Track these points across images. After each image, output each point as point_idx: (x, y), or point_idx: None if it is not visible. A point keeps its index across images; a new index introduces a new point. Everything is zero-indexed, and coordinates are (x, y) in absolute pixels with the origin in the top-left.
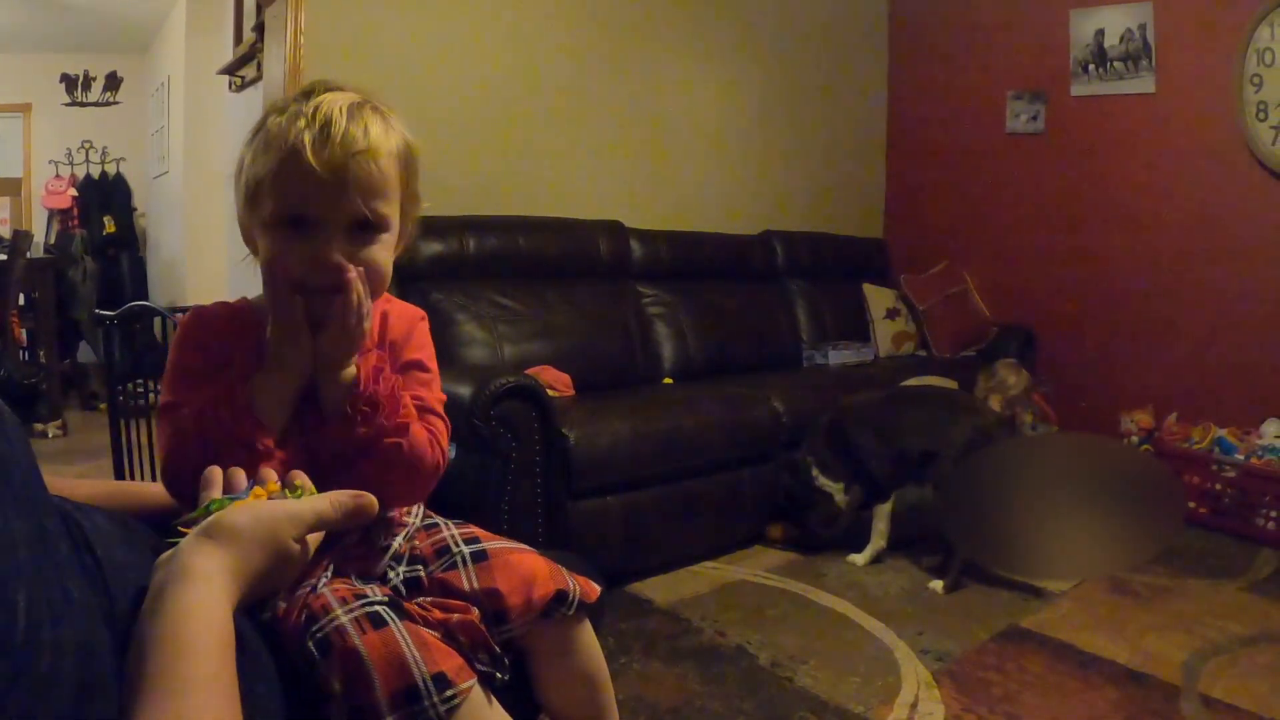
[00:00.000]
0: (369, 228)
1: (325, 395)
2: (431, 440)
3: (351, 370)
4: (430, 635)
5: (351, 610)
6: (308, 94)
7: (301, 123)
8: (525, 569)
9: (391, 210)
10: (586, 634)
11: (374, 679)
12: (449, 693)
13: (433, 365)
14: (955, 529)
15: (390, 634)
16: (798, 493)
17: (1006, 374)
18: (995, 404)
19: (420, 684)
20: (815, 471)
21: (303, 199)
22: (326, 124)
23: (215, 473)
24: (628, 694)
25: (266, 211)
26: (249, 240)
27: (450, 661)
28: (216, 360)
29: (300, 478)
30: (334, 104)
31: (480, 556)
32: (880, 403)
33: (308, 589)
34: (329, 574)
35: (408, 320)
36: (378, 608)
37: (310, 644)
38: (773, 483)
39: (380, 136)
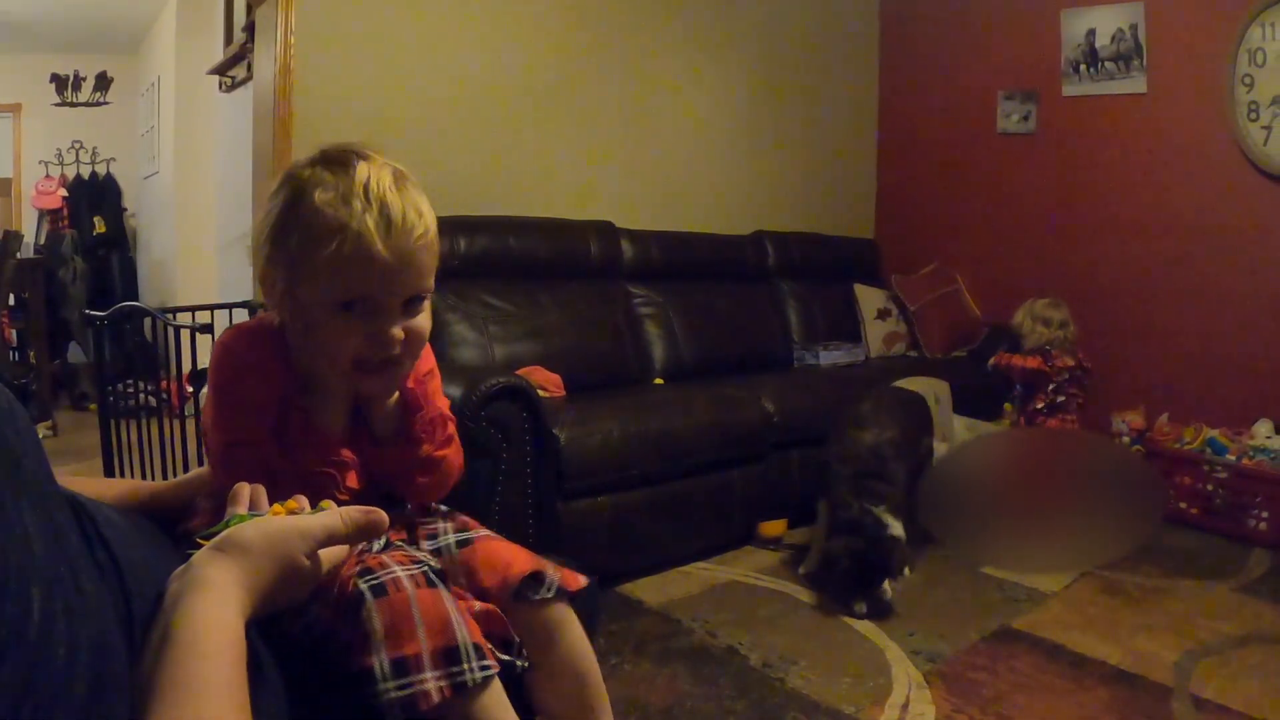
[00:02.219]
0: (419, 299)
1: (377, 423)
2: (458, 446)
3: (395, 395)
4: (464, 611)
5: (409, 570)
6: (340, 163)
7: (358, 205)
8: (504, 553)
9: (433, 278)
10: (572, 627)
11: (420, 633)
12: (485, 663)
13: (437, 370)
14: (942, 526)
15: (439, 595)
16: (872, 557)
17: (1047, 310)
18: (1037, 340)
19: (461, 647)
20: (887, 517)
21: (367, 284)
22: (385, 208)
23: (242, 490)
24: (618, 695)
25: (324, 293)
26: (281, 302)
27: (482, 640)
28: (267, 385)
29: (327, 503)
30: (381, 182)
31: (464, 543)
32: (890, 406)
33: (364, 550)
34: (383, 542)
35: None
36: (430, 571)
37: (363, 585)
38: (828, 563)
39: (429, 215)
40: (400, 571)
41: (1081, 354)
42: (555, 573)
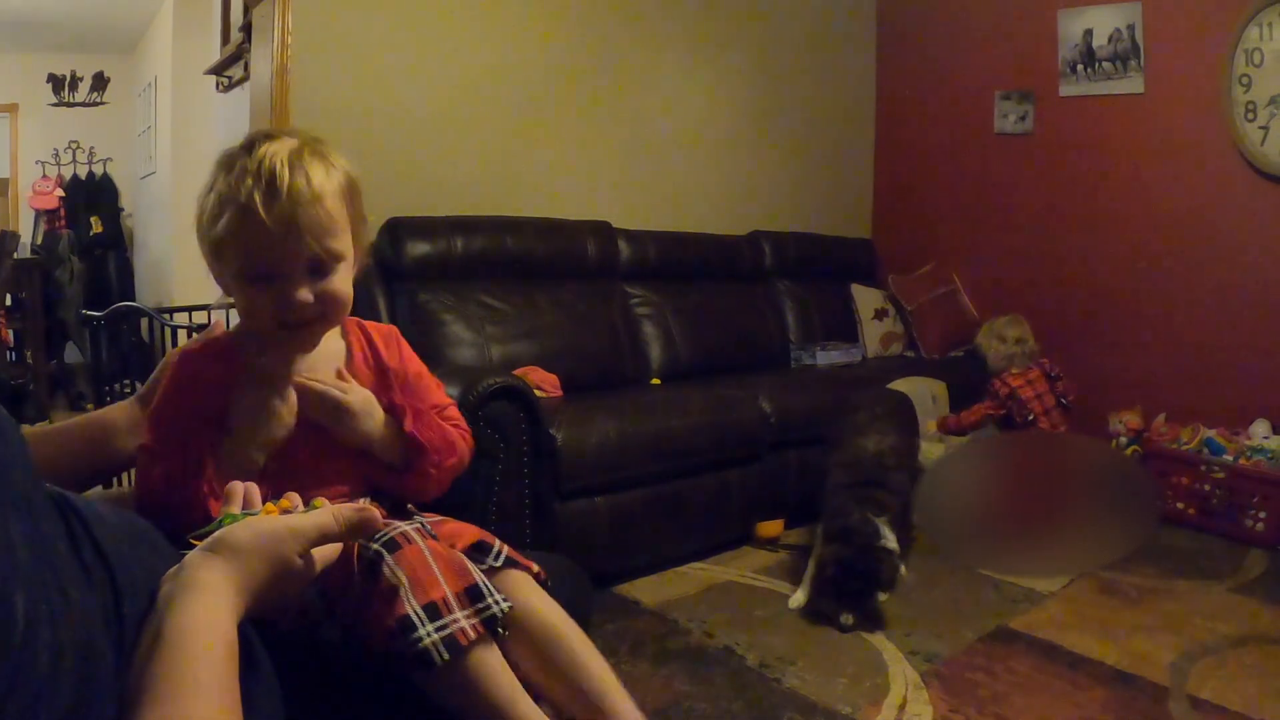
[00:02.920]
0: (325, 265)
1: (384, 454)
2: (462, 435)
3: (378, 424)
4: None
5: (411, 523)
6: (249, 147)
7: (249, 181)
8: (450, 530)
9: (343, 243)
10: (529, 590)
11: (439, 576)
12: (500, 596)
13: (425, 368)
14: (938, 529)
15: (440, 544)
16: (861, 566)
17: (1005, 328)
18: (996, 356)
19: (481, 584)
20: (886, 529)
21: (262, 254)
22: (272, 178)
23: (236, 487)
24: None
25: (233, 268)
26: (221, 283)
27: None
28: (200, 402)
29: (320, 501)
30: (276, 156)
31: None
32: (890, 412)
33: None
34: None
35: (392, 342)
36: (425, 528)
37: (376, 545)
38: (828, 565)
39: (322, 180)
40: (405, 525)
41: (1046, 361)
42: (501, 545)
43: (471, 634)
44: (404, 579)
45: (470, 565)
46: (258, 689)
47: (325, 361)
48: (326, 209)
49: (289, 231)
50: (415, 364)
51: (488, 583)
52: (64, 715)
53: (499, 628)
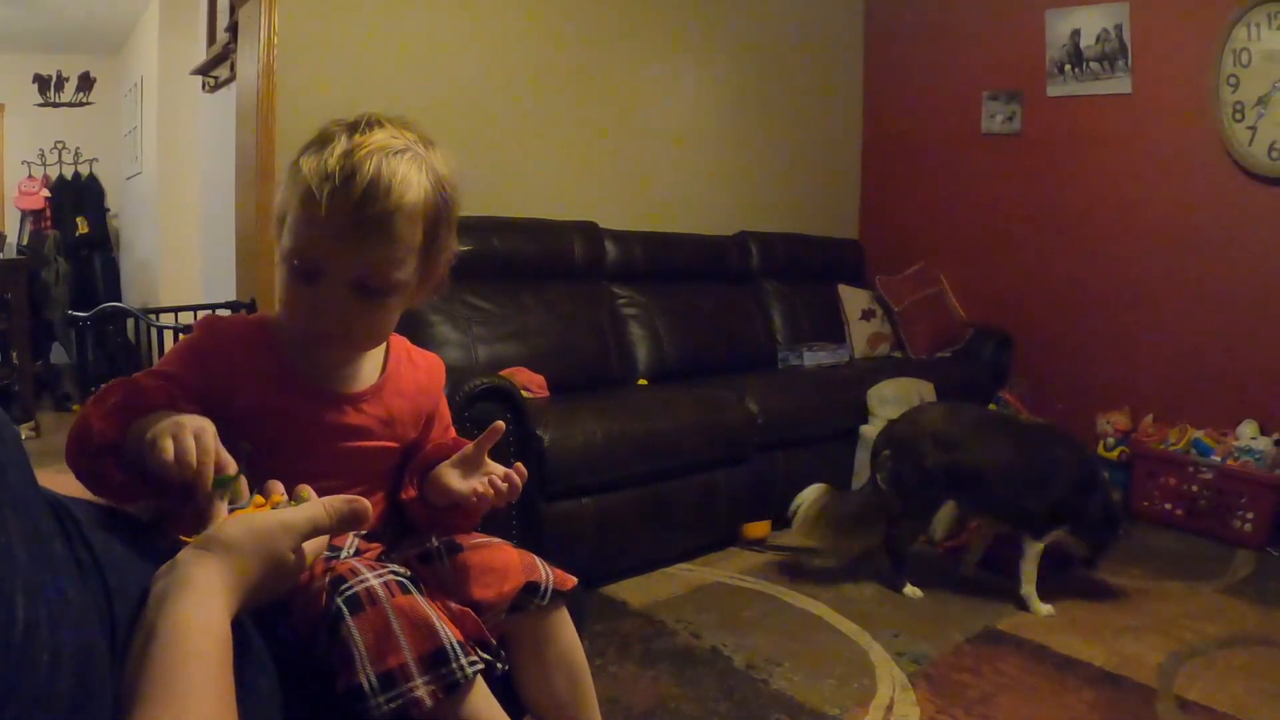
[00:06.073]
0: (373, 291)
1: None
2: None
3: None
4: (441, 611)
5: (381, 575)
6: (353, 128)
7: (331, 164)
8: (497, 561)
9: (405, 273)
10: (564, 625)
11: (402, 641)
12: (472, 659)
13: (445, 402)
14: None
15: (415, 600)
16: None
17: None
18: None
19: (447, 646)
20: None
21: (312, 247)
22: (350, 176)
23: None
24: (602, 696)
25: (284, 248)
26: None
27: (462, 635)
28: (206, 376)
29: (306, 490)
30: (369, 152)
31: (454, 549)
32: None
33: (332, 556)
34: (352, 550)
35: (437, 377)
36: (402, 578)
37: (339, 601)
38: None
39: (402, 194)
40: (373, 579)
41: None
42: (548, 577)
43: (428, 701)
44: (360, 645)
45: (439, 625)
46: (253, 674)
47: (357, 377)
48: (396, 231)
49: (348, 241)
50: (444, 400)
51: (456, 644)
52: (63, 716)
53: (497, 666)
